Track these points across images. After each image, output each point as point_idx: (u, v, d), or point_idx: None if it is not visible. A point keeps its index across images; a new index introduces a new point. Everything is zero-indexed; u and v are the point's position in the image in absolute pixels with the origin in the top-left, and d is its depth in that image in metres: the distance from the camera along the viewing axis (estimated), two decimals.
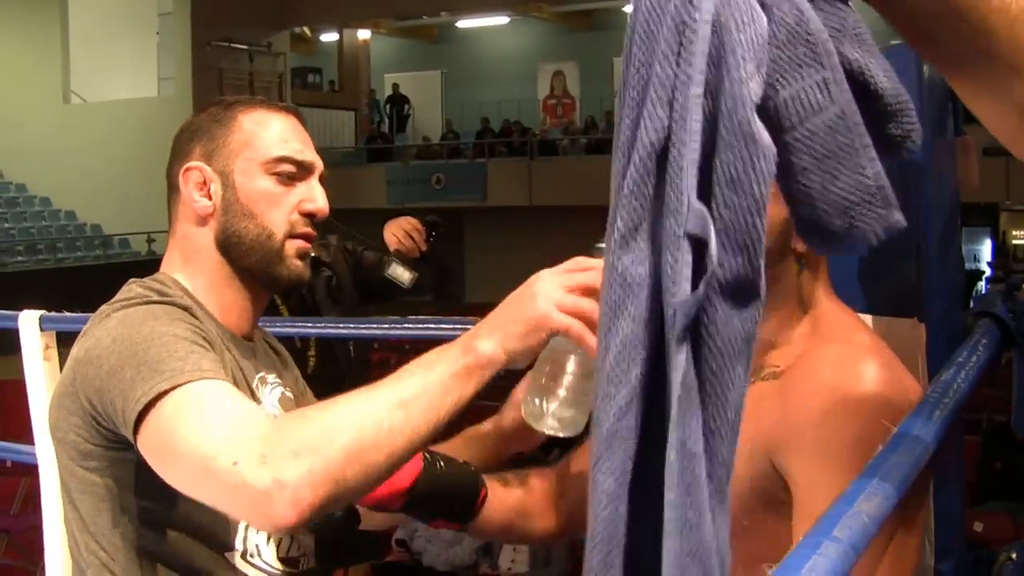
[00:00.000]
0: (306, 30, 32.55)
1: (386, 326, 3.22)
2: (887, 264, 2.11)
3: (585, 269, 1.68)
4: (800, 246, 1.72)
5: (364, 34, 32.86)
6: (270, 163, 1.97)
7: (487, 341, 1.64)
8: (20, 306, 3.84)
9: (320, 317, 3.90)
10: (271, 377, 2.07)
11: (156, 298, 1.85)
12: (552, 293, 1.66)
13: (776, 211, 1.64)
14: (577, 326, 1.61)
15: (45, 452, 3.49)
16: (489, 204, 26.57)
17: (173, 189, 2.05)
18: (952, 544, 2.01)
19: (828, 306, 1.78)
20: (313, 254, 3.97)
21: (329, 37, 33.45)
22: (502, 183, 26.08)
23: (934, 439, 1.71)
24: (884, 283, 2.12)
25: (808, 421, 1.59)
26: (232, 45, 26.77)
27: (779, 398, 1.66)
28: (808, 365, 1.66)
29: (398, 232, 3.89)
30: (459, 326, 2.91)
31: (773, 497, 1.64)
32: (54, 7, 27.70)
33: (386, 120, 32.38)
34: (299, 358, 3.84)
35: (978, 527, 6.06)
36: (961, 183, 2.23)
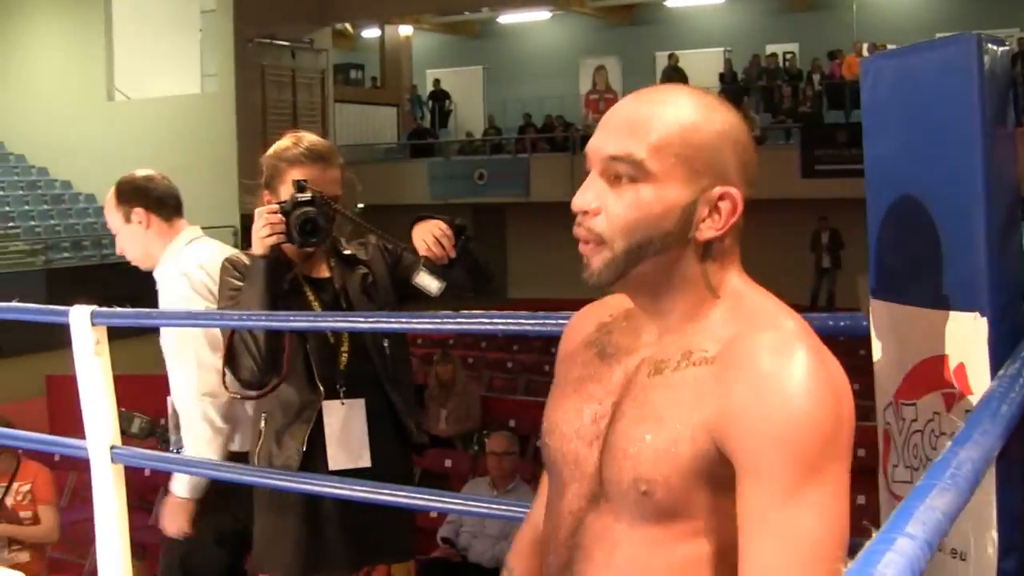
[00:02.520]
0: (348, 26, 32.61)
1: (438, 320, 3.20)
2: (946, 258, 2.08)
3: None
4: (702, 235, 1.76)
5: (406, 30, 32.88)
6: None
7: None
8: (65, 302, 3.85)
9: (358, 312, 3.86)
10: None
11: None
12: None
13: (678, 195, 1.72)
14: None
15: (96, 446, 3.50)
16: (531, 199, 26.54)
17: None
18: (1016, 541, 1.99)
19: (746, 292, 1.80)
20: (349, 251, 4.01)
21: (371, 33, 33.51)
22: (544, 178, 26.03)
23: (1001, 434, 1.69)
24: (944, 277, 2.09)
25: (751, 408, 1.63)
26: (274, 42, 26.85)
27: (717, 384, 1.69)
28: (742, 351, 1.69)
29: (427, 238, 3.83)
30: (508, 320, 2.89)
31: (714, 475, 1.68)
32: (98, 6, 27.83)
33: (428, 116, 32.38)
34: (331, 353, 3.85)
35: None
36: (1021, 175, 2.20)
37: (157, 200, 4.66)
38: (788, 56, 26.64)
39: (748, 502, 1.63)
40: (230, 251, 4.33)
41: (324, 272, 3.96)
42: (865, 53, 23.92)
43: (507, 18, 32.48)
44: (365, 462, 3.81)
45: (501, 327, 2.94)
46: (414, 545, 4.25)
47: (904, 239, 2.17)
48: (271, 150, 3.95)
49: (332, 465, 3.79)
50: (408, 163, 29.05)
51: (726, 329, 1.75)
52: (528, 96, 30.46)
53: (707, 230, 1.76)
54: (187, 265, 4.40)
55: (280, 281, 3.73)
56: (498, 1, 29.72)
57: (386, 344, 3.94)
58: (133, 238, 4.60)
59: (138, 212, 4.59)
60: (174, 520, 4.30)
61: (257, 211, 3.72)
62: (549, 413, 1.96)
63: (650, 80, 28.71)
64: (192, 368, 4.27)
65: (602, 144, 1.79)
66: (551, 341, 13.73)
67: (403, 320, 3.37)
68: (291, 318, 3.66)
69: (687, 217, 1.74)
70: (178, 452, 4.31)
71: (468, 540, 7.44)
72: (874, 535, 1.01)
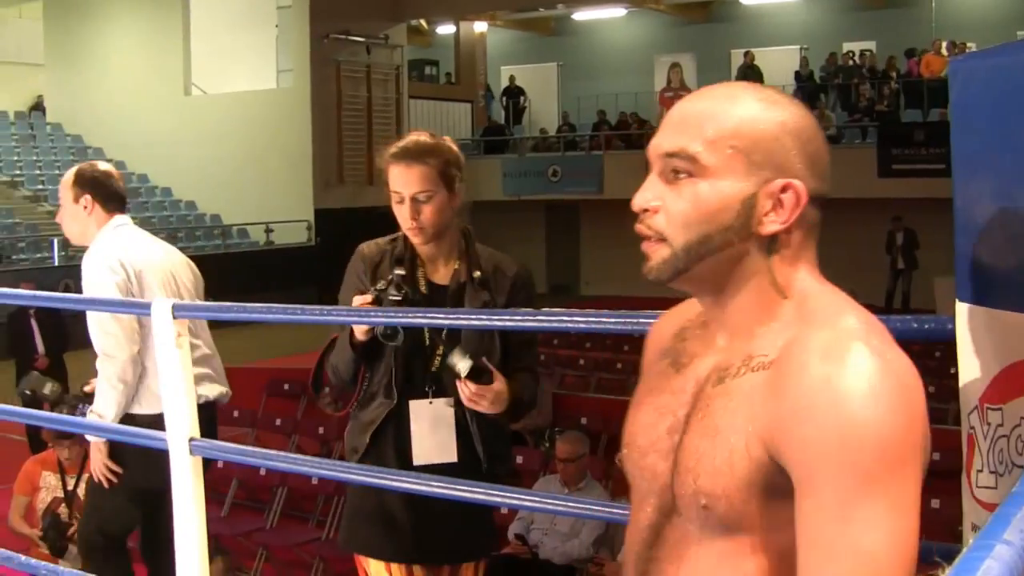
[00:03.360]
0: (423, 22, 32.74)
1: (519, 318, 3.20)
2: None
3: None
4: (766, 229, 1.71)
5: (481, 26, 32.94)
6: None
7: None
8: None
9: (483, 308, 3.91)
10: None
11: None
12: None
13: (736, 188, 1.68)
14: None
15: (176, 438, 3.53)
16: (605, 196, 26.51)
17: None
18: None
19: (813, 290, 1.73)
20: (479, 274, 3.97)
21: (446, 29, 33.62)
22: (618, 175, 25.99)
23: None
24: None
25: (801, 417, 1.57)
26: (350, 37, 26.97)
27: (770, 390, 1.63)
28: (796, 355, 1.62)
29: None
30: (591, 319, 2.88)
31: (773, 486, 1.62)
32: (176, 3, 28.12)
33: (502, 112, 32.43)
34: (425, 356, 3.93)
35: None
36: None
37: (107, 194, 5.25)
38: (865, 54, 26.43)
39: (803, 517, 1.56)
40: (156, 244, 5.29)
41: (443, 279, 4.01)
42: (944, 51, 23.71)
43: (582, 15, 32.48)
44: (451, 457, 3.89)
45: (583, 326, 2.92)
46: (492, 544, 4.32)
47: (992, 241, 2.14)
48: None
49: (416, 460, 3.89)
50: (482, 160, 29.11)
51: (788, 331, 1.69)
52: (603, 93, 30.44)
53: (770, 224, 1.70)
54: (111, 256, 5.05)
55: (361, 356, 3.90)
56: None
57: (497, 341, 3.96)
58: (75, 217, 5.26)
59: (87, 199, 5.21)
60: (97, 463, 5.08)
61: (356, 299, 3.79)
62: (628, 426, 1.90)
63: (726, 78, 28.57)
64: (96, 331, 4.95)
65: (659, 142, 1.76)
66: (623, 339, 13.73)
67: (483, 317, 3.38)
68: (364, 314, 3.68)
69: (748, 211, 1.70)
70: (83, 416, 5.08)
71: (539, 537, 7.43)
72: (971, 541, 0.99)
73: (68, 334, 12.13)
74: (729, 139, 1.69)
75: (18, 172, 28.25)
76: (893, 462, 1.51)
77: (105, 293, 4.94)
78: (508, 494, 3.57)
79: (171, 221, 26.39)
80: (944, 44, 24.44)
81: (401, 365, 3.91)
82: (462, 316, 3.58)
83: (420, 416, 3.92)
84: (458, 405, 3.86)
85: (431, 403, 3.92)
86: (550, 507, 4.04)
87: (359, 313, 3.72)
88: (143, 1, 28.73)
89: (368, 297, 3.80)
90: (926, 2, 27.40)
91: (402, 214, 3.87)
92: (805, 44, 28.87)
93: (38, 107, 32.83)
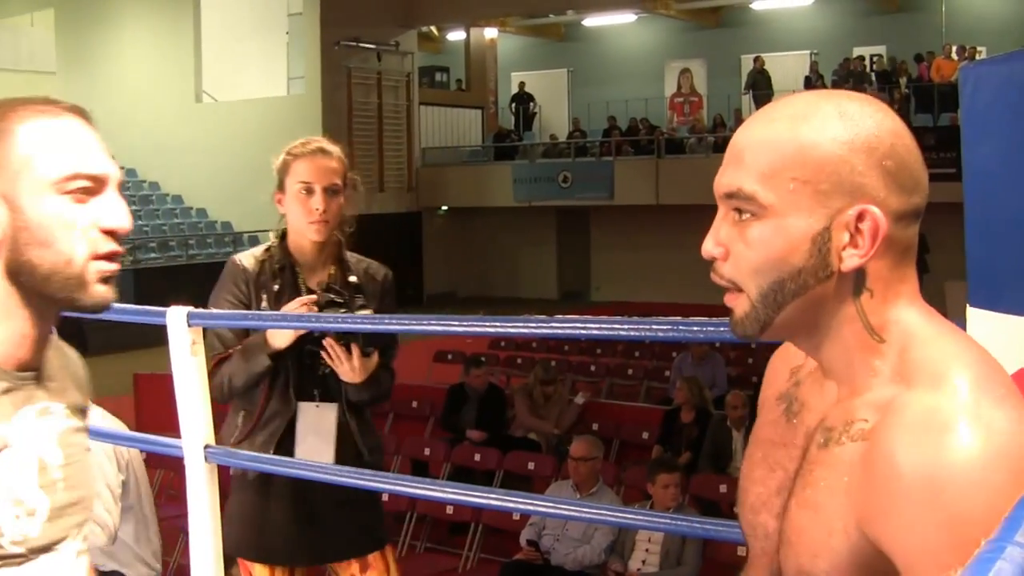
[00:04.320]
0: (433, 29, 32.79)
1: (533, 325, 3.21)
2: None
3: None
4: (846, 264, 1.51)
5: (491, 33, 32.96)
6: (61, 182, 1.75)
7: None
8: (153, 301, 3.93)
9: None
10: (57, 406, 1.88)
11: None
12: None
13: (804, 225, 1.50)
14: None
15: (191, 445, 3.55)
16: (616, 202, 26.51)
17: None
18: None
19: (918, 332, 1.53)
20: (354, 279, 4.10)
21: (456, 36, 33.65)
22: (629, 181, 26.00)
23: None
24: None
25: (899, 504, 1.40)
26: (360, 44, 27.03)
27: (866, 468, 1.45)
28: (891, 429, 1.43)
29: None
30: (603, 326, 2.89)
31: (872, 568, 1.46)
32: (187, 10, 28.20)
33: (512, 118, 32.44)
34: (314, 362, 4.06)
35: None
36: None
37: None
38: (875, 58, 26.41)
39: None
40: None
41: (323, 279, 4.13)
42: (954, 55, 23.67)
43: (592, 21, 32.48)
44: (328, 459, 4.06)
45: (596, 332, 2.93)
46: (386, 533, 4.51)
47: (1003, 247, 2.15)
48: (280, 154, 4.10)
49: (297, 458, 4.09)
50: (492, 166, 29.13)
51: (887, 389, 1.49)
52: (613, 99, 30.42)
53: (850, 258, 1.50)
54: None
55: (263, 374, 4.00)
56: (583, 4, 29.73)
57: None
58: None
59: None
60: None
61: (293, 303, 3.91)
62: (741, 478, 1.76)
63: (736, 83, 28.60)
64: None
65: (718, 181, 1.57)
66: (634, 344, 13.72)
67: (497, 324, 3.40)
68: (395, 320, 3.70)
69: (821, 248, 1.50)
70: None
71: (551, 543, 7.44)
72: (982, 544, 1.00)
73: (87, 341, 12.18)
74: (789, 171, 1.50)
75: None
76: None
77: None
78: (521, 499, 3.58)
79: (182, 228, 26.44)
80: (954, 48, 24.42)
81: (295, 372, 4.07)
82: (475, 324, 3.59)
83: (306, 417, 4.09)
84: (340, 409, 4.10)
85: (317, 407, 4.09)
86: (563, 512, 4.05)
87: (373, 320, 3.74)
88: (154, 9, 28.81)
89: (312, 297, 3.92)
90: (936, 6, 27.37)
91: (309, 206, 3.96)
92: (815, 49, 28.85)
93: None
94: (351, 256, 4.19)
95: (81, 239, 1.76)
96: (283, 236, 4.09)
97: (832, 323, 1.55)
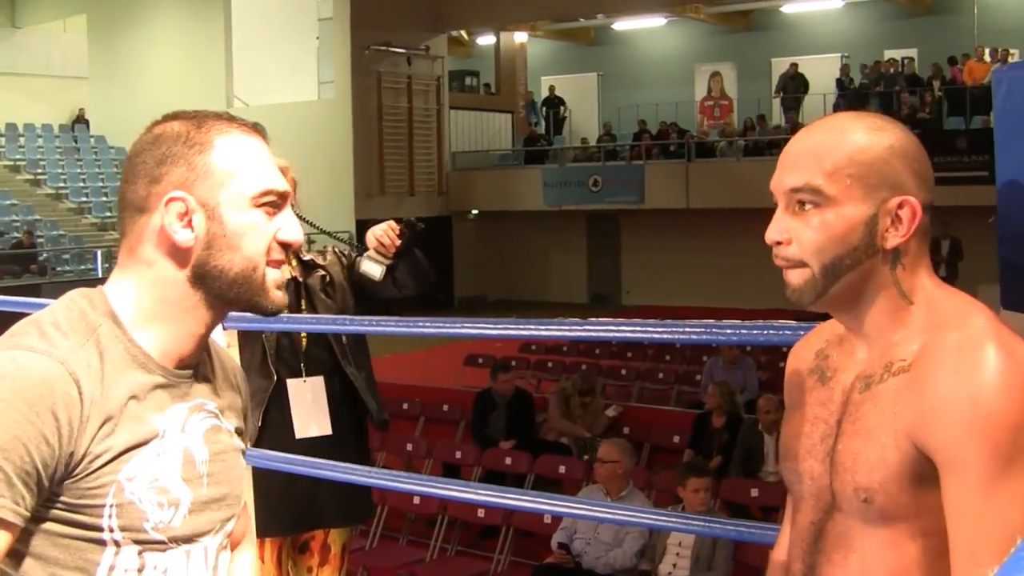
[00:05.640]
0: (463, 33, 32.83)
1: (566, 328, 3.22)
2: None
3: None
4: (888, 243, 1.88)
5: (521, 37, 33.00)
6: (258, 196, 1.91)
7: None
8: None
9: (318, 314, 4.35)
10: (210, 404, 1.99)
11: (41, 347, 1.77)
12: None
13: (858, 211, 1.84)
14: None
15: None
16: (646, 206, 26.48)
17: (139, 210, 1.91)
18: None
19: (938, 295, 1.91)
20: (309, 257, 4.39)
21: (486, 40, 33.69)
22: (659, 185, 25.98)
23: None
24: None
25: (943, 408, 1.74)
26: (391, 49, 27.10)
27: (912, 389, 1.80)
28: (932, 355, 1.80)
29: (375, 232, 4.42)
30: (636, 328, 2.89)
31: (921, 474, 1.79)
32: (218, 16, 28.32)
33: (542, 122, 32.46)
34: (293, 340, 4.32)
35: None
36: None
37: None
38: (907, 61, 26.31)
39: (950, 496, 1.74)
40: None
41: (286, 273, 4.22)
42: (987, 58, 23.57)
43: (622, 24, 32.48)
44: (327, 430, 4.30)
45: (628, 335, 2.93)
46: (366, 511, 4.77)
47: None
48: None
49: (299, 434, 4.29)
50: (522, 169, 29.16)
51: (921, 335, 1.86)
52: (643, 102, 30.42)
53: (892, 238, 1.87)
54: None
55: None
56: (613, 8, 29.73)
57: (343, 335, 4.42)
58: None
59: None
60: None
61: (382, 225, 4.36)
62: (784, 440, 2.10)
63: (766, 87, 28.54)
64: None
65: (782, 179, 1.93)
66: (665, 349, 13.71)
67: (530, 327, 3.41)
68: (428, 324, 3.72)
69: (871, 230, 1.87)
70: None
71: (582, 546, 7.44)
72: (1019, 542, 1.00)
73: None
74: (846, 168, 1.86)
75: (62, 184, 28.53)
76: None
77: None
78: (553, 502, 3.59)
79: None
80: (987, 51, 24.31)
81: (272, 346, 4.25)
82: (508, 326, 3.60)
83: (298, 393, 4.28)
84: (329, 376, 4.34)
85: (305, 381, 4.30)
86: (593, 513, 4.06)
87: (406, 323, 3.76)
88: (186, 14, 28.96)
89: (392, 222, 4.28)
90: (968, 9, 27.27)
91: None
92: (846, 52, 28.75)
93: (80, 119, 33.14)
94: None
95: (264, 247, 1.92)
96: None
97: (874, 290, 1.91)
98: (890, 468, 1.82)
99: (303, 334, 4.31)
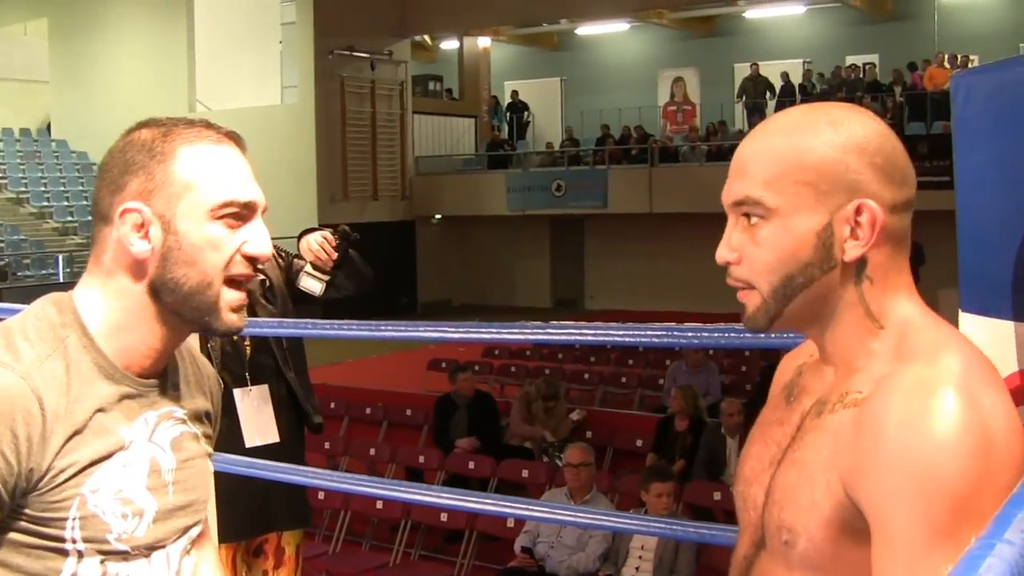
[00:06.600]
0: (427, 38, 32.82)
1: (528, 331, 3.22)
2: None
3: None
4: (848, 255, 1.64)
5: (484, 41, 33.02)
6: (217, 208, 1.85)
7: None
8: None
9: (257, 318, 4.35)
10: (179, 412, 1.96)
11: (5, 360, 1.74)
12: None
13: (808, 222, 1.63)
14: None
15: None
16: (609, 211, 26.53)
17: (103, 219, 1.88)
18: None
19: (917, 322, 1.66)
20: None
21: (449, 45, 33.70)
22: (623, 190, 26.03)
23: None
24: None
25: (877, 460, 1.51)
26: (354, 53, 27.07)
27: (855, 428, 1.58)
28: (883, 393, 1.55)
29: (313, 244, 4.44)
30: (598, 332, 2.90)
31: (852, 526, 1.56)
32: (181, 20, 28.23)
33: (506, 127, 32.47)
34: (237, 348, 4.37)
35: None
36: None
37: None
38: (868, 67, 26.45)
39: (876, 563, 1.50)
40: None
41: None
42: (947, 64, 23.71)
43: (585, 29, 32.51)
44: (274, 438, 4.38)
45: (591, 338, 2.94)
46: (309, 514, 4.83)
47: (994, 253, 2.16)
48: None
49: (248, 443, 4.34)
50: (486, 174, 29.17)
51: (885, 367, 1.61)
52: (607, 107, 30.46)
53: (852, 249, 1.63)
54: None
55: None
56: (577, 13, 29.75)
57: (284, 342, 4.50)
58: None
59: None
60: None
61: (316, 235, 4.52)
62: (740, 458, 1.88)
63: (729, 92, 28.64)
64: None
65: (726, 192, 1.72)
66: (628, 353, 13.74)
67: (493, 330, 3.41)
68: (391, 328, 3.73)
69: (825, 242, 1.64)
70: None
71: (545, 550, 7.45)
72: (972, 542, 1.02)
73: None
74: (792, 174, 1.64)
75: (23, 189, 28.34)
76: (967, 515, 1.43)
77: None
78: (516, 505, 3.59)
79: None
80: (947, 57, 24.46)
81: (218, 353, 4.30)
82: (471, 330, 3.61)
83: (244, 402, 4.34)
84: (273, 382, 4.41)
85: (250, 391, 4.36)
86: (557, 517, 4.06)
87: (370, 328, 3.77)
88: (148, 19, 28.83)
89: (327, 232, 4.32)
90: (928, 16, 27.44)
91: None
92: (808, 57, 28.87)
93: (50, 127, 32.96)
94: None
95: (222, 261, 1.86)
96: None
97: (835, 311, 1.68)
98: (819, 512, 1.60)
99: (247, 341, 4.36)
